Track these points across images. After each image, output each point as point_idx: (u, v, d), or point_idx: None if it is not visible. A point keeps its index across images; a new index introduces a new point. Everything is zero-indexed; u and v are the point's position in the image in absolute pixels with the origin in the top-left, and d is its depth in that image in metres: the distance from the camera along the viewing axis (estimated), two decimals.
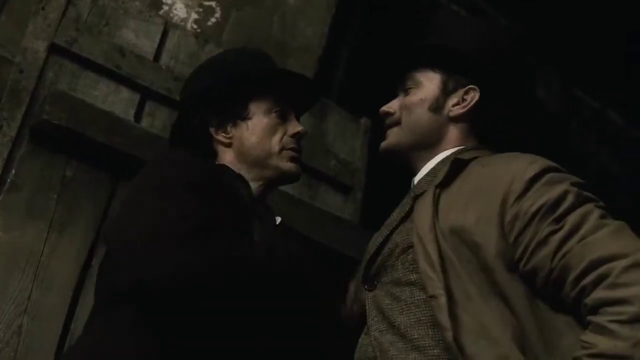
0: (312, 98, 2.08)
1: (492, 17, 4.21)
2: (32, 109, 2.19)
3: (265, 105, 1.93)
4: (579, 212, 1.47)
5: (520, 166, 1.56)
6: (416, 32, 3.55)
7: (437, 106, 1.80)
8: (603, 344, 1.31)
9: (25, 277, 2.05)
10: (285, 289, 1.66)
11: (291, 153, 1.91)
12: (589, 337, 1.34)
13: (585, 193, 1.52)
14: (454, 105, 1.80)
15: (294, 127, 1.94)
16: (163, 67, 2.48)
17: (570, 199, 1.48)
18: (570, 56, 4.20)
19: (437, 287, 1.48)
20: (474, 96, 1.80)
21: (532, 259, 1.47)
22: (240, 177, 1.86)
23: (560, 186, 1.51)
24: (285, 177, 1.93)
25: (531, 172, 1.53)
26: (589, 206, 1.48)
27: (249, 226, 1.71)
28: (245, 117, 1.92)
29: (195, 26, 2.65)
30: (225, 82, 1.92)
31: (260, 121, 1.92)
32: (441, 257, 1.52)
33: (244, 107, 1.93)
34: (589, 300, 1.38)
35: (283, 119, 1.94)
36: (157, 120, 2.43)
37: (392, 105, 1.87)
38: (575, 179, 1.55)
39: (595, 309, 1.36)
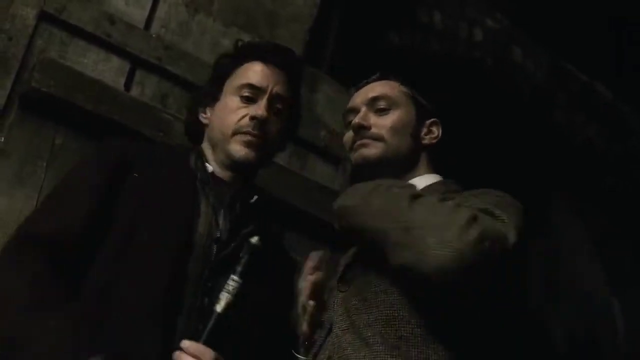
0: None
1: None
2: (22, 77, 2.18)
3: (235, 84, 1.90)
4: None
5: None
6: (406, 6, 3.54)
7: (415, 134, 1.89)
8: None
9: None
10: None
11: (244, 137, 1.83)
12: None
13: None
14: (425, 135, 1.91)
15: (256, 110, 1.84)
16: (153, 35, 2.47)
17: None
18: (559, 29, 4.20)
19: None
20: (438, 129, 1.93)
21: None
22: (197, 159, 1.85)
23: None
24: (234, 162, 1.84)
25: None
26: None
27: (185, 204, 1.71)
28: (218, 98, 1.92)
29: None
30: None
31: (225, 102, 1.90)
32: None
33: (220, 87, 1.93)
34: None
35: (250, 101, 1.87)
36: (147, 89, 2.42)
37: (367, 119, 1.87)
38: None
39: None
